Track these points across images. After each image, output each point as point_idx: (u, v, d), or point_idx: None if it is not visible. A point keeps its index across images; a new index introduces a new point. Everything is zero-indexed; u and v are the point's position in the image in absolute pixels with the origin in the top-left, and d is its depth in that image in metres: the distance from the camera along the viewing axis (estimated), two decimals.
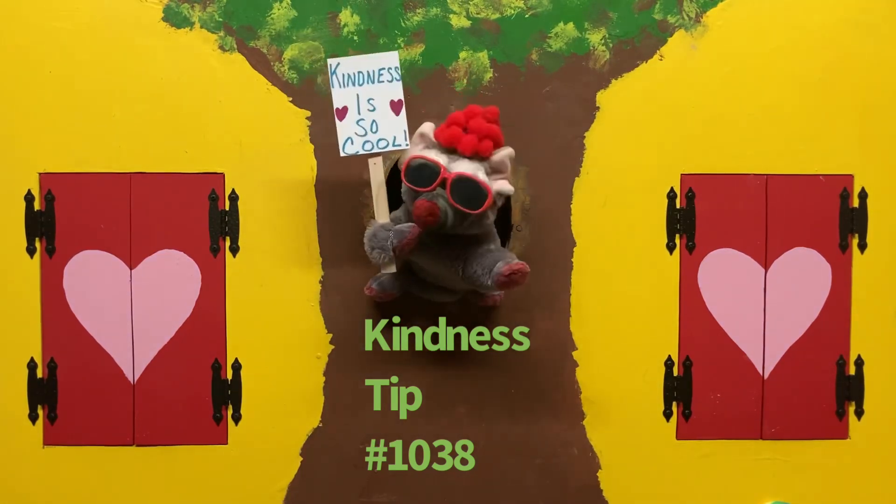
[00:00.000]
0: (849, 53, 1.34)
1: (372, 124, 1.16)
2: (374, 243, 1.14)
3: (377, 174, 1.18)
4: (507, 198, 1.33)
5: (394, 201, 1.21)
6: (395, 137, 1.17)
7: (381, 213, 1.18)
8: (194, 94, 1.31)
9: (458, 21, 1.32)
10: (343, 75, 1.16)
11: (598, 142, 1.34)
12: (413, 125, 1.18)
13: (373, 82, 1.16)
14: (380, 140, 1.17)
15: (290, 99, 1.31)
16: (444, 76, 1.32)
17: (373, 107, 1.16)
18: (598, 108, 1.33)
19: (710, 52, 1.34)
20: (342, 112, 1.17)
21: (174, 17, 1.30)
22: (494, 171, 1.13)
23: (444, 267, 1.19)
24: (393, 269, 1.16)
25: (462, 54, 1.32)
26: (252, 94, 1.31)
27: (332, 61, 1.16)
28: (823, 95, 1.34)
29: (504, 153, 1.14)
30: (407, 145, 1.17)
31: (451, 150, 1.12)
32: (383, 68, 1.16)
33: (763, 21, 1.34)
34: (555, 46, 1.33)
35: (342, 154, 1.18)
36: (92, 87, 1.30)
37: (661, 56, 1.34)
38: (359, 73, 1.16)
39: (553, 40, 1.33)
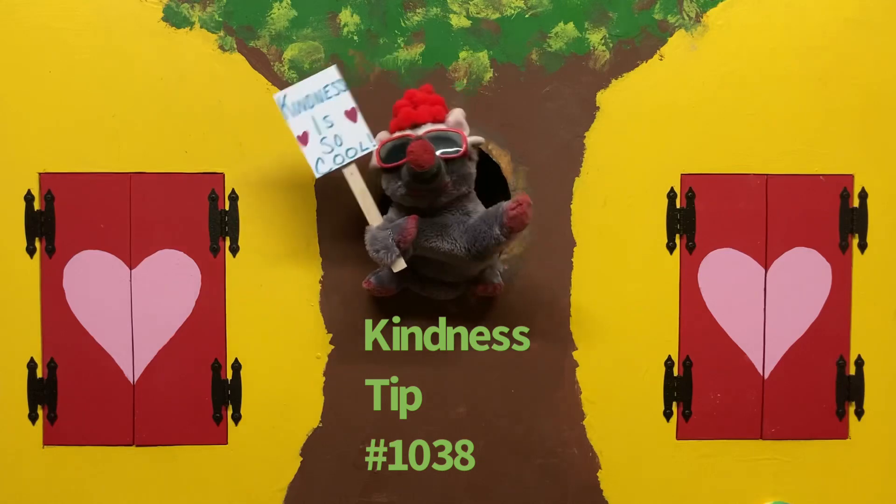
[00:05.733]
0: (849, 53, 1.34)
1: (335, 139, 1.19)
2: (376, 245, 1.14)
3: (356, 182, 1.19)
4: (507, 196, 1.33)
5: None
6: (360, 143, 1.19)
7: (373, 216, 1.19)
8: (194, 94, 1.31)
9: (458, 21, 1.32)
10: (293, 104, 1.19)
11: (598, 142, 1.34)
12: None
13: (321, 101, 1.19)
14: (348, 150, 1.19)
15: None
16: (444, 76, 1.32)
17: (330, 122, 1.19)
18: (598, 108, 1.33)
19: (710, 52, 1.34)
20: (304, 137, 1.19)
21: (174, 17, 1.30)
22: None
23: (450, 247, 1.17)
24: (403, 264, 1.15)
25: (462, 54, 1.32)
26: (252, 94, 1.31)
27: (277, 96, 1.19)
28: (823, 95, 1.34)
29: (457, 111, 1.20)
30: (374, 146, 1.20)
31: (410, 127, 1.17)
32: (327, 84, 1.19)
33: (763, 21, 1.33)
34: (555, 46, 1.33)
35: (317, 175, 1.19)
36: (92, 87, 1.30)
37: (661, 56, 1.34)
38: (306, 96, 1.19)
39: (553, 40, 1.33)
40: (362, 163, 1.20)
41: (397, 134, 1.18)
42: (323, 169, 1.19)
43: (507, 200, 1.14)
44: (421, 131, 1.16)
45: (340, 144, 1.19)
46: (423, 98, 1.19)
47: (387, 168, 1.17)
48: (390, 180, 1.18)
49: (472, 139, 1.18)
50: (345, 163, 1.19)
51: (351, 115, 1.19)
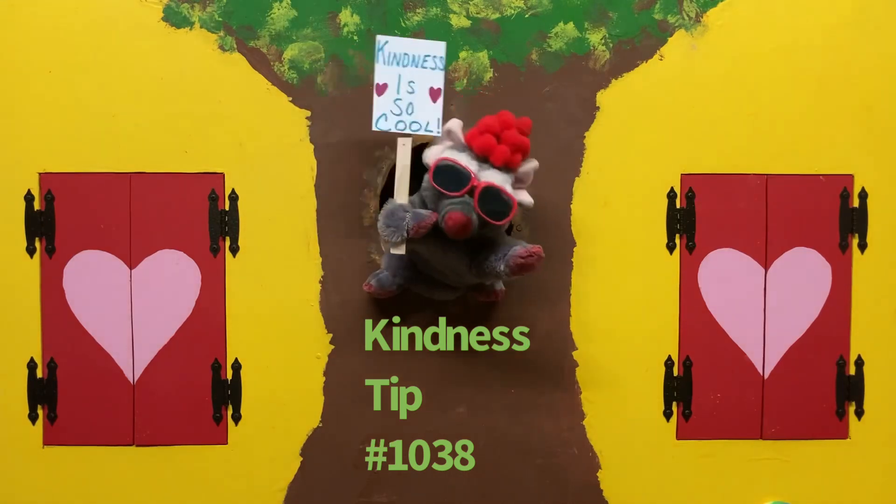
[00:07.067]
0: (849, 53, 1.34)
1: (408, 106, 1.18)
2: (389, 221, 1.13)
3: (404, 155, 1.18)
4: None
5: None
6: (428, 123, 1.19)
7: (402, 193, 1.18)
8: (194, 94, 1.31)
9: (458, 21, 1.32)
10: (389, 53, 1.18)
11: (598, 142, 1.34)
12: None
13: (416, 66, 1.19)
14: (413, 123, 1.19)
15: (290, 99, 1.31)
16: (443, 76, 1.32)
17: (412, 89, 1.18)
18: (598, 108, 1.33)
19: (710, 52, 1.34)
20: (382, 88, 1.18)
21: (174, 17, 1.30)
22: (519, 181, 1.16)
23: (454, 257, 1.18)
24: (402, 250, 1.15)
25: (462, 54, 1.32)
26: (252, 94, 1.31)
27: (380, 38, 1.19)
28: (823, 95, 1.34)
29: (531, 165, 1.17)
30: (438, 133, 1.19)
31: (481, 157, 1.14)
32: (429, 55, 1.19)
33: (763, 21, 1.34)
34: (555, 46, 1.33)
35: (374, 128, 1.19)
36: (92, 87, 1.30)
37: (661, 56, 1.34)
38: (404, 54, 1.19)
39: (553, 40, 1.33)
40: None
41: (463, 160, 1.13)
42: (382, 125, 1.18)
43: (521, 242, 1.14)
44: (485, 175, 1.12)
45: (410, 113, 1.18)
46: (510, 138, 1.13)
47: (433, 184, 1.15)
48: (431, 195, 1.16)
49: (520, 199, 1.15)
50: (404, 132, 1.18)
51: (434, 93, 1.19)
